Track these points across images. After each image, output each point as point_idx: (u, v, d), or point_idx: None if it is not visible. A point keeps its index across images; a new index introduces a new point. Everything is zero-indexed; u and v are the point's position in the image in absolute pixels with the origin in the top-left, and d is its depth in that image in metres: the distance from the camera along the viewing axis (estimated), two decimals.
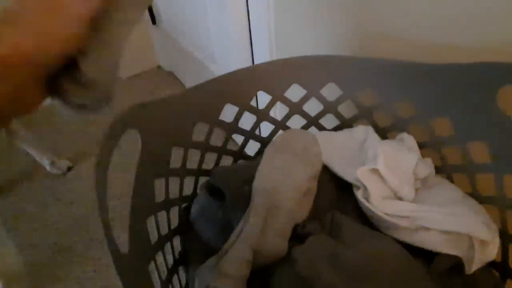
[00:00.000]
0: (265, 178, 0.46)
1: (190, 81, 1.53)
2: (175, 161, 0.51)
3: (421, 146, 0.53)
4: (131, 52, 1.65)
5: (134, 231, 0.36)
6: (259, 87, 0.57)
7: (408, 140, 0.52)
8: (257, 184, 0.46)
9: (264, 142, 0.64)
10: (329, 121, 0.62)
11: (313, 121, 0.62)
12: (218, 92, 0.54)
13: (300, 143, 0.52)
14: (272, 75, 0.56)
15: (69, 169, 1.30)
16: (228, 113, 0.56)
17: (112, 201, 1.15)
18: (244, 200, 0.47)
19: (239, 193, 0.48)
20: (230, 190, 0.49)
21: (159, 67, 1.75)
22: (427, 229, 0.41)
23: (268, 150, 0.51)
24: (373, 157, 0.48)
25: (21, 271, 0.67)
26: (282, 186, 0.45)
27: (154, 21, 1.53)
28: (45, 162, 1.25)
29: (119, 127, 0.39)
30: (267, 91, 0.57)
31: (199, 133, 0.54)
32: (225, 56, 1.07)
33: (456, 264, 0.41)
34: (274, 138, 0.55)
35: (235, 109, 0.57)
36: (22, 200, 1.20)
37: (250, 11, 0.85)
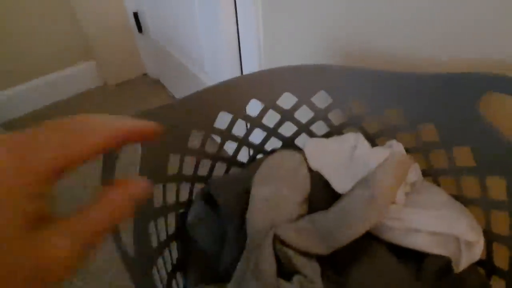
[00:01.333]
0: (257, 216, 0.46)
1: (177, 89, 1.54)
2: (171, 168, 0.52)
3: (408, 151, 0.55)
4: (117, 60, 1.65)
5: (138, 236, 0.37)
6: (252, 95, 0.58)
7: (397, 146, 0.55)
8: (250, 225, 0.45)
9: (256, 149, 0.65)
10: (319, 128, 0.64)
11: (304, 128, 0.64)
12: (213, 100, 0.55)
13: (287, 165, 0.52)
14: (264, 84, 0.58)
15: None
16: (220, 120, 0.58)
17: None
18: (239, 213, 0.48)
19: (234, 206, 0.49)
20: (226, 203, 0.49)
21: (145, 74, 1.75)
22: (417, 231, 0.43)
23: (255, 182, 0.50)
24: (365, 165, 0.50)
25: None
26: (274, 221, 0.45)
27: (140, 29, 1.53)
28: None
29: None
30: (260, 99, 0.59)
31: (193, 140, 0.55)
32: (214, 63, 1.09)
33: (445, 264, 0.43)
34: (261, 165, 0.53)
35: (227, 116, 0.58)
36: None
37: (239, 19, 0.87)
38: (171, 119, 0.50)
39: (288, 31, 0.72)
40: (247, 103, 0.59)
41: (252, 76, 0.57)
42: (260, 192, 0.46)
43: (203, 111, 0.55)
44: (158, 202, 0.48)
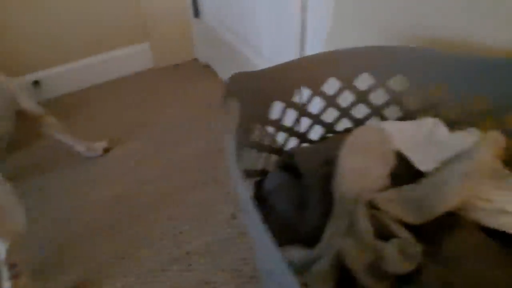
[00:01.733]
0: (345, 184, 0.47)
1: (228, 74, 1.56)
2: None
3: None
4: (171, 43, 1.69)
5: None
6: (331, 73, 0.59)
7: (477, 134, 0.54)
8: (339, 192, 0.46)
9: (327, 128, 0.66)
10: (392, 112, 0.64)
11: (377, 111, 0.64)
12: (295, 74, 0.56)
13: (373, 139, 0.53)
14: (344, 62, 0.59)
15: (106, 150, 1.33)
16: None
17: (148, 184, 1.18)
18: (322, 181, 0.49)
19: (318, 174, 0.50)
20: (309, 171, 0.51)
21: (195, 59, 1.79)
22: (506, 212, 0.43)
23: (343, 152, 0.51)
24: (449, 147, 0.50)
25: (23, 231, 0.74)
26: (362, 189, 0.46)
27: (196, 14, 1.57)
28: (81, 149, 1.29)
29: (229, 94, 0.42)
30: (338, 78, 0.60)
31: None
32: (274, 49, 1.10)
33: None
34: (349, 137, 0.54)
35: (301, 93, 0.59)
36: (61, 178, 1.23)
37: (307, 6, 0.87)
38: (257, 86, 0.52)
39: (359, 16, 0.72)
40: (325, 80, 0.60)
41: (333, 53, 0.58)
42: (348, 161, 0.47)
43: (285, 83, 0.56)
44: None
